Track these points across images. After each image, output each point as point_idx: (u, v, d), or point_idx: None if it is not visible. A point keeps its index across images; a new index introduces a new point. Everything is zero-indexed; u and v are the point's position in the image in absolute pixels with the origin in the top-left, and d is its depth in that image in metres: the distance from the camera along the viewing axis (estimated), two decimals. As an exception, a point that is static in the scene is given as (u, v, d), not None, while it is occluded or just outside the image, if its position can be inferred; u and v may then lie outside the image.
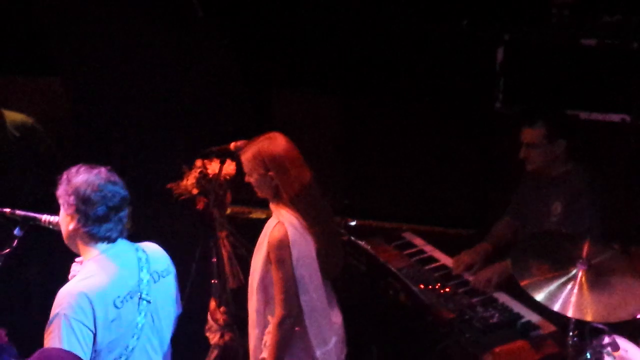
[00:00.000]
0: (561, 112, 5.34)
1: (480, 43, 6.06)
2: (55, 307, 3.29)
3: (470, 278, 5.00)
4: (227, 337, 4.84)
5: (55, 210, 3.58)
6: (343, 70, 6.32)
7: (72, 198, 3.35)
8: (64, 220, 3.44)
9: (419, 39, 6.12)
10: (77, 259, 3.65)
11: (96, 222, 3.36)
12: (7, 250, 3.68)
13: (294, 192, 4.12)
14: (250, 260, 4.40)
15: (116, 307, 3.34)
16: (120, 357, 3.39)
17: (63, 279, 3.52)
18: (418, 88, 6.22)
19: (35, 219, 3.73)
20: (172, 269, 3.62)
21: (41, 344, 2.96)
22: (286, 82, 6.47)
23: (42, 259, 5.14)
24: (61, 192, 3.40)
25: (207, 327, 4.88)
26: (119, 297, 3.36)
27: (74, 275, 3.61)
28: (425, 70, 6.19)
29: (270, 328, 4.19)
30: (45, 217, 3.70)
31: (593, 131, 5.83)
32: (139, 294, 3.42)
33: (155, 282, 3.50)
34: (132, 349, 3.41)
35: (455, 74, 6.12)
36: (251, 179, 4.19)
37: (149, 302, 3.45)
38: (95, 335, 3.29)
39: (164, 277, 3.55)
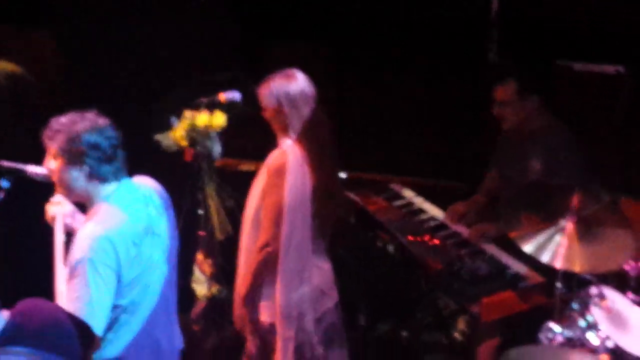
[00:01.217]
0: (532, 66, 5.31)
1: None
2: (78, 252, 3.32)
3: (464, 231, 5.00)
4: (214, 289, 4.85)
5: (40, 161, 3.58)
6: (335, 21, 6.28)
7: (77, 146, 3.37)
8: (66, 171, 3.43)
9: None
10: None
11: (106, 162, 3.42)
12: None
13: (303, 130, 4.14)
14: (239, 212, 4.40)
15: (135, 244, 3.41)
16: (141, 293, 3.46)
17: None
18: (410, 39, 6.17)
19: (22, 170, 3.72)
20: (170, 202, 3.69)
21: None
22: (278, 33, 6.43)
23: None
24: (61, 143, 3.40)
25: (193, 279, 4.88)
26: (136, 234, 3.43)
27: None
28: (418, 21, 6.14)
29: (252, 255, 4.22)
30: (32, 169, 3.70)
31: (586, 83, 5.80)
32: (152, 229, 3.50)
33: (160, 216, 3.58)
34: (151, 283, 3.49)
35: (448, 24, 6.07)
36: (266, 113, 4.22)
37: (159, 236, 3.54)
38: (119, 274, 3.36)
39: (166, 209, 3.64)
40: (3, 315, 2.78)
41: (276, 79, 4.18)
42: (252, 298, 4.25)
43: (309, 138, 4.16)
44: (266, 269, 4.19)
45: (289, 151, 4.13)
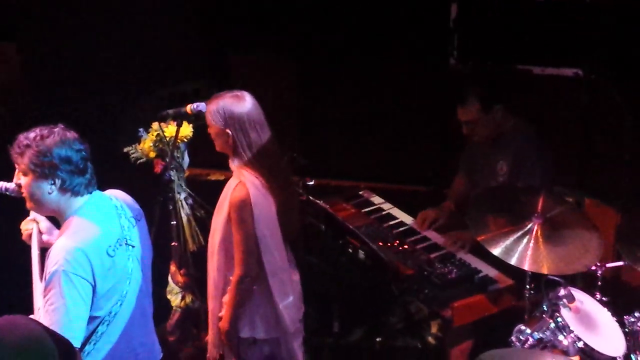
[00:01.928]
0: (490, 79, 5.37)
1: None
2: (52, 265, 3.33)
3: (434, 236, 5.03)
4: (187, 299, 4.86)
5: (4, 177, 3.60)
6: (298, 30, 6.30)
7: (49, 161, 3.36)
8: (37, 185, 3.42)
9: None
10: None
11: (78, 175, 3.43)
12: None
13: (251, 153, 4.11)
14: (210, 222, 4.40)
15: (109, 255, 3.43)
16: (117, 303, 3.47)
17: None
18: (373, 46, 6.22)
19: (-9, 186, 3.71)
20: (142, 212, 3.71)
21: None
22: (243, 46, 6.45)
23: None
24: (31, 158, 3.38)
25: (168, 290, 4.89)
26: (110, 246, 3.45)
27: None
28: (380, 27, 6.19)
29: (230, 287, 4.22)
30: (2, 184, 3.68)
31: (546, 86, 5.89)
32: (125, 239, 3.52)
33: (133, 226, 3.59)
34: (126, 293, 3.51)
35: (409, 31, 6.13)
36: (210, 130, 4.20)
37: (133, 246, 3.55)
38: (94, 286, 3.37)
39: (138, 220, 3.66)
40: (-19, 330, 2.77)
41: (225, 99, 4.13)
42: (235, 325, 4.24)
43: (259, 161, 4.12)
44: (248, 297, 4.20)
45: (247, 183, 4.09)
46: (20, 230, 3.82)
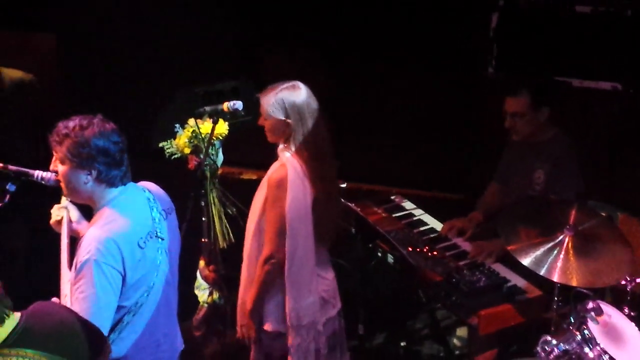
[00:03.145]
0: (544, 79, 5.35)
1: (475, 8, 6.06)
2: (84, 254, 3.37)
3: (464, 244, 5.03)
4: (215, 296, 4.88)
5: (43, 166, 3.64)
6: (336, 30, 6.31)
7: (86, 152, 3.40)
8: (74, 175, 3.46)
9: (414, 1, 6.12)
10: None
11: (115, 167, 3.47)
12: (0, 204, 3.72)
13: (306, 143, 4.15)
14: (241, 220, 4.44)
15: (140, 247, 3.47)
16: (144, 294, 3.51)
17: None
18: (411, 51, 6.21)
19: (27, 174, 3.76)
20: (173, 206, 3.75)
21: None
22: (277, 39, 6.46)
23: (26, 214, 5.13)
24: (70, 148, 3.41)
25: (196, 285, 4.91)
26: (141, 238, 3.49)
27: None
28: (419, 33, 6.18)
29: (257, 267, 4.25)
30: (38, 173, 3.73)
31: (584, 98, 5.85)
32: (155, 232, 3.56)
33: (164, 219, 3.63)
34: (153, 284, 3.54)
35: (448, 38, 6.12)
36: (266, 122, 4.22)
37: (162, 239, 3.59)
38: (124, 276, 3.42)
39: (169, 214, 3.70)
40: (15, 316, 2.82)
41: (282, 90, 4.18)
42: (258, 308, 4.29)
43: (310, 149, 4.17)
44: (271, 280, 4.23)
45: (288, 164, 4.15)
46: (49, 215, 3.85)
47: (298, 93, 4.18)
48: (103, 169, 3.45)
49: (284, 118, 4.16)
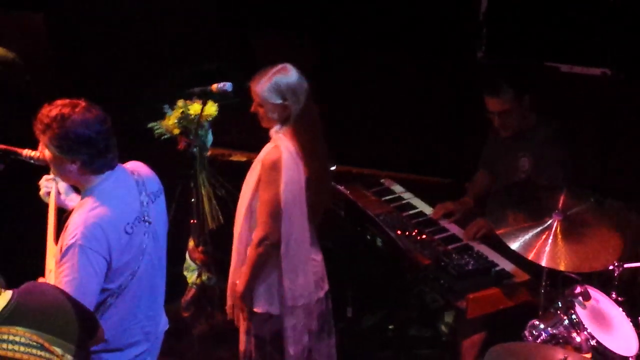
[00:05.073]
0: (520, 66, 5.32)
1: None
2: (69, 238, 3.35)
3: (453, 227, 5.04)
4: (204, 277, 4.88)
5: (30, 145, 3.63)
6: (324, 13, 6.28)
7: (68, 144, 3.35)
8: (58, 162, 3.43)
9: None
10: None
11: (99, 157, 3.41)
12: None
13: (301, 122, 4.15)
14: (230, 201, 4.43)
15: (127, 233, 3.45)
16: (129, 278, 3.50)
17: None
18: (399, 35, 6.19)
19: (16, 153, 3.75)
20: (162, 188, 3.73)
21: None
22: (265, 26, 6.44)
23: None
24: (52, 138, 3.36)
25: (184, 266, 4.92)
26: (128, 223, 3.47)
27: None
28: (407, 17, 6.16)
29: (249, 249, 4.25)
30: (27, 152, 3.72)
31: (572, 84, 5.85)
32: (143, 216, 3.53)
33: (152, 202, 3.60)
34: (138, 268, 3.52)
35: (438, 22, 6.10)
36: (261, 109, 4.20)
37: (150, 223, 3.56)
38: (109, 262, 3.40)
39: (158, 196, 3.68)
40: (7, 294, 2.81)
41: (274, 74, 4.16)
42: (250, 289, 4.29)
43: (303, 129, 4.17)
44: (264, 262, 4.23)
45: (282, 146, 4.14)
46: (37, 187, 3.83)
47: (290, 74, 4.17)
48: (87, 159, 3.39)
49: (281, 101, 4.15)
